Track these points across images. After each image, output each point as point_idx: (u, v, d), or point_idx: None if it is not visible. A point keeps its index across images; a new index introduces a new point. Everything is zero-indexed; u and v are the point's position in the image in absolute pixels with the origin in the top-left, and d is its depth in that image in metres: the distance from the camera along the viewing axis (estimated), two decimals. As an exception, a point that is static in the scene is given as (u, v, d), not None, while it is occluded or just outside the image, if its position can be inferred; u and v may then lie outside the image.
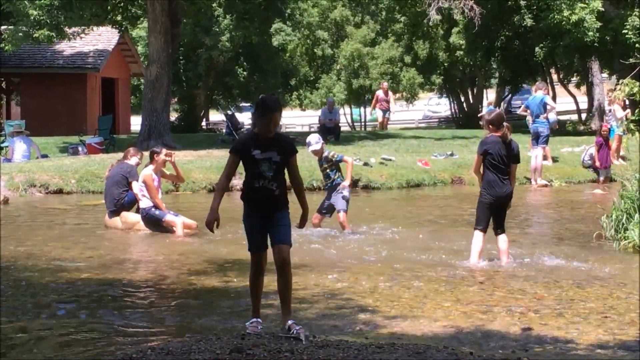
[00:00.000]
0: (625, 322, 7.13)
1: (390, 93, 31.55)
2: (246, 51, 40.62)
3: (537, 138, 19.05)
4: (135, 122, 36.06)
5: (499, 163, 9.57)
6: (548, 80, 35.97)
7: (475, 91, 45.46)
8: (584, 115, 38.62)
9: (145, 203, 12.28)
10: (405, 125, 44.77)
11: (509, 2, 31.30)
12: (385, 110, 30.91)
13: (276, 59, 41.84)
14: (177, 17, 25.09)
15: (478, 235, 9.64)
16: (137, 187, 12.51)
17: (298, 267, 8.67)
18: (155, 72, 23.96)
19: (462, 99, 45.80)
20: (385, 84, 31.77)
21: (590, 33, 28.34)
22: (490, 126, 9.64)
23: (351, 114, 45.89)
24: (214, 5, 33.46)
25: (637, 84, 12.49)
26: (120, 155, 14.02)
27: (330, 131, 25.84)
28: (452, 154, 21.66)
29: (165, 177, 13.20)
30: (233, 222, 12.95)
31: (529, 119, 20.56)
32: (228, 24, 38.13)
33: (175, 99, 44.04)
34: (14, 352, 6.29)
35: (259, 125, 6.58)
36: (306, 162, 16.78)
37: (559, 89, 42.11)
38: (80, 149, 23.85)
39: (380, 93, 30.72)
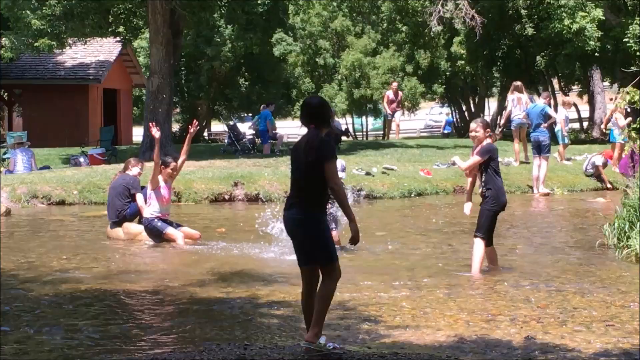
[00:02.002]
0: (628, 331, 7.11)
1: (400, 93, 30.92)
2: (248, 61, 40.69)
3: (538, 147, 19.03)
4: (137, 133, 36.11)
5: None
6: (550, 89, 35.95)
7: (476, 100, 45.47)
8: (585, 124, 38.64)
9: (148, 213, 12.29)
10: (407, 135, 44.74)
11: (510, 12, 31.34)
12: (395, 113, 30.39)
13: (278, 69, 41.90)
14: (179, 28, 25.13)
15: (480, 243, 9.61)
16: (140, 198, 12.55)
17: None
18: (157, 83, 23.99)
19: (464, 108, 45.83)
20: (395, 84, 31.17)
21: (591, 42, 28.40)
22: (487, 129, 9.67)
23: (353, 124, 45.91)
24: (216, 15, 33.50)
25: (638, 92, 12.49)
26: (122, 166, 14.03)
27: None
28: (454, 163, 21.60)
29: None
30: (236, 232, 12.98)
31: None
32: (230, 34, 38.19)
33: (177, 110, 44.11)
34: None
35: (329, 128, 6.40)
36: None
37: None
38: (82, 160, 23.88)
39: (390, 94, 30.17)
